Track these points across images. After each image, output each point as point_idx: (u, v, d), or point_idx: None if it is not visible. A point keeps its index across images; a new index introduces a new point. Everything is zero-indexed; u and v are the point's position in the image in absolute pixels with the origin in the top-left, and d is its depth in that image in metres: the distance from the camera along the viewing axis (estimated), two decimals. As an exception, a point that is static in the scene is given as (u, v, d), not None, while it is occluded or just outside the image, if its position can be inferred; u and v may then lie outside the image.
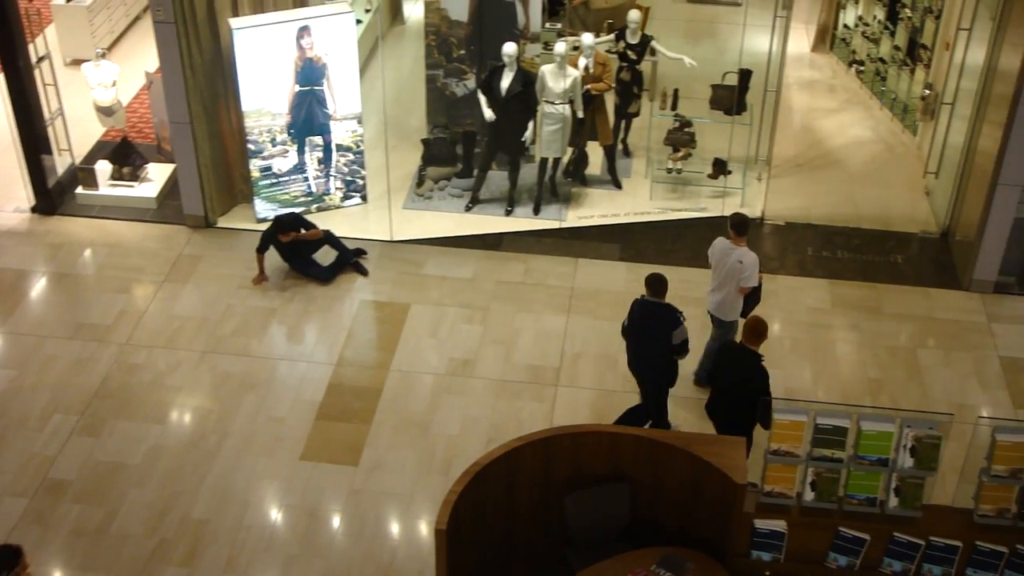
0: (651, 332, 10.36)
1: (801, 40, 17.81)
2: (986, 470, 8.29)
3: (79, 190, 14.15)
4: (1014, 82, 12.01)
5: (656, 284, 10.35)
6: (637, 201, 14.31)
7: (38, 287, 12.93)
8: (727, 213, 13.94)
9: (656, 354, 10.43)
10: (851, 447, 8.32)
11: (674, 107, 14.58)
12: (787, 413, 8.31)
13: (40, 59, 13.86)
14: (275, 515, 10.29)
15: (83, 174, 14.14)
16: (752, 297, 11.10)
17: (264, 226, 13.13)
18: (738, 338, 10.62)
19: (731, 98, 14.35)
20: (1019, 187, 12.44)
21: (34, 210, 13.99)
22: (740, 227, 10.92)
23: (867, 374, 11.85)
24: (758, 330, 9.81)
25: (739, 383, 9.80)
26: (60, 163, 14.31)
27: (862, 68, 16.93)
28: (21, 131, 13.62)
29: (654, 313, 10.35)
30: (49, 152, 14.05)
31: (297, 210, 13.51)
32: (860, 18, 16.94)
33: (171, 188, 14.12)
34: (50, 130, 14.07)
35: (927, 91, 14.85)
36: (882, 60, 16.33)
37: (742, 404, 9.57)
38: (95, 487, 10.47)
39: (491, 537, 8.94)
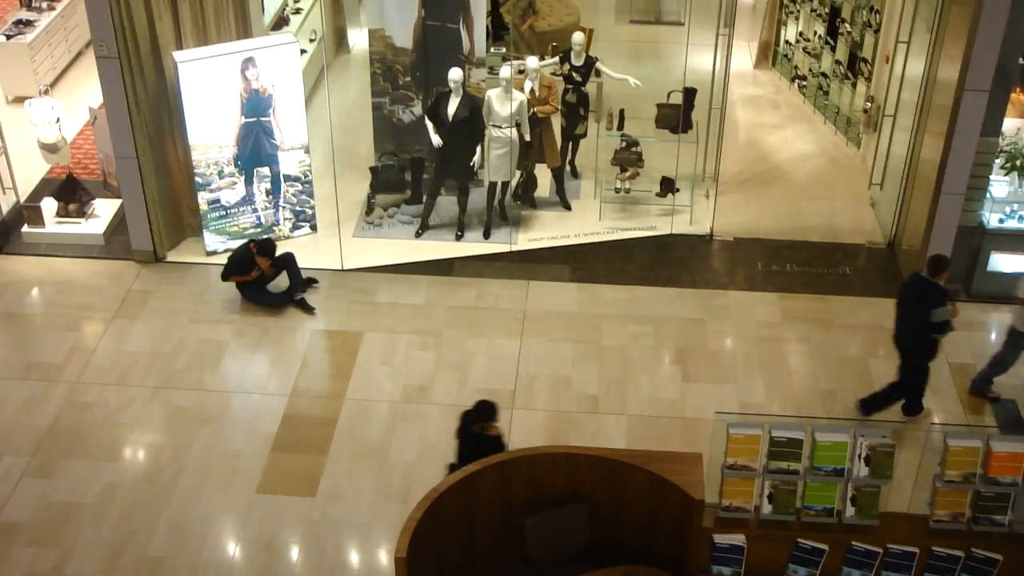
0: (911, 306, 10.92)
1: (744, 57, 17.99)
2: (940, 476, 8.36)
3: (25, 228, 14.01)
4: (952, 92, 12.19)
5: (934, 264, 10.81)
6: (586, 222, 14.36)
7: (-14, 328, 12.80)
8: (676, 231, 14.12)
9: (914, 327, 10.94)
10: (806, 458, 8.37)
11: (620, 127, 14.66)
12: (742, 427, 8.33)
13: (-19, 98, 13.78)
14: (233, 549, 10.20)
15: (29, 212, 14.02)
16: None
17: (216, 259, 13.09)
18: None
19: (677, 116, 14.45)
20: (962, 195, 12.61)
21: (-21, 250, 13.87)
22: None
23: (819, 385, 11.93)
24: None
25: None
26: (5, 202, 14.20)
27: (804, 83, 17.12)
28: (-36, 171, 13.51)
29: (920, 289, 10.88)
30: (-7, 191, 13.95)
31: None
32: (801, 34, 17.14)
33: (118, 224, 14.02)
34: (-7, 169, 13.99)
35: (869, 104, 15.04)
36: (824, 75, 16.52)
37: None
38: (49, 529, 10.33)
39: (451, 563, 8.90)
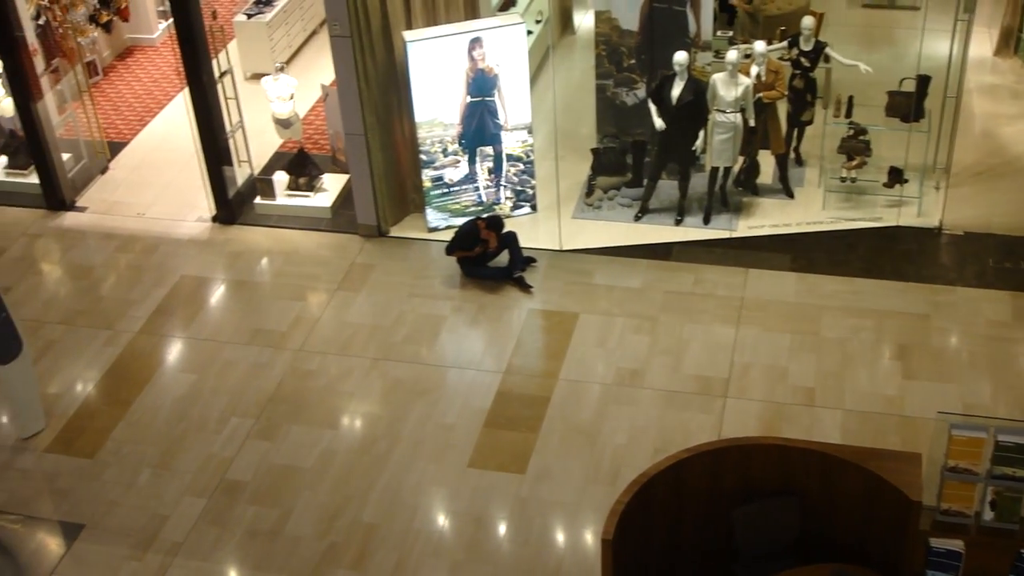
0: None
1: (983, 44, 17.26)
2: None
3: (257, 200, 14.58)
4: None
5: None
6: (809, 210, 14.05)
7: (218, 294, 13.36)
8: (903, 223, 13.67)
9: None
10: (1034, 466, 8.02)
11: (848, 114, 14.26)
12: (966, 429, 8.03)
13: (223, 74, 14.35)
14: (443, 521, 10.41)
15: (261, 184, 14.57)
16: None
17: (437, 235, 13.38)
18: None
19: (908, 105, 13.97)
20: None
21: (215, 219, 14.47)
22: None
23: (1052, 390, 11.41)
24: None
25: None
26: (240, 174, 14.78)
27: (1049, 72, 16.34)
28: (204, 144, 14.09)
29: None
30: (230, 163, 14.52)
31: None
32: (1047, 20, 16.35)
33: (345, 198, 14.42)
34: (231, 142, 14.56)
35: (1119, 96, 14.25)
36: (1070, 64, 15.73)
37: None
38: (269, 489, 10.76)
39: (657, 548, 8.87)
